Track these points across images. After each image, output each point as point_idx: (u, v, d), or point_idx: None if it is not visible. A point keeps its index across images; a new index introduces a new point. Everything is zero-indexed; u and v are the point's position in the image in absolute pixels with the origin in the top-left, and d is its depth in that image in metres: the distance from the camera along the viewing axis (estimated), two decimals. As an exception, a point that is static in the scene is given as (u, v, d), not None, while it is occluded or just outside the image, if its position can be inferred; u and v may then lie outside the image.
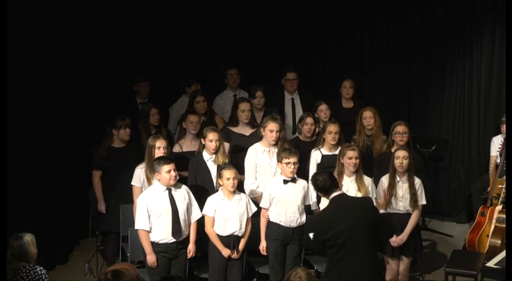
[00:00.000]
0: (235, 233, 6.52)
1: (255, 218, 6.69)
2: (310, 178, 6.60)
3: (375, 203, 6.23)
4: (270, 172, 6.98)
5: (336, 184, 5.80)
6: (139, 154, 7.13)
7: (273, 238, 6.62)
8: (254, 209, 6.65)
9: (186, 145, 7.41)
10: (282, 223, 6.59)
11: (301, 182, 6.71)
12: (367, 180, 6.78)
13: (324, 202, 6.68)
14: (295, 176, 6.66)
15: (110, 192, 7.32)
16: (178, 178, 6.40)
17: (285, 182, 6.60)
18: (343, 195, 5.83)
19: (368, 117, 7.67)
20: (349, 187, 6.62)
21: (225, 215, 6.48)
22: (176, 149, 7.40)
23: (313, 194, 6.92)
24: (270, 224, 6.64)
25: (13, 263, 5.15)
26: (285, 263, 6.63)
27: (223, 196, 6.51)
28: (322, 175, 5.81)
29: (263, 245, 6.67)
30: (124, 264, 4.91)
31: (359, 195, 6.55)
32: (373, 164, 7.33)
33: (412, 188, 6.70)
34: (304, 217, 6.66)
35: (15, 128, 7.08)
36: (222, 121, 8.13)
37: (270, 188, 6.64)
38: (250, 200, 6.71)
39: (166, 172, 6.26)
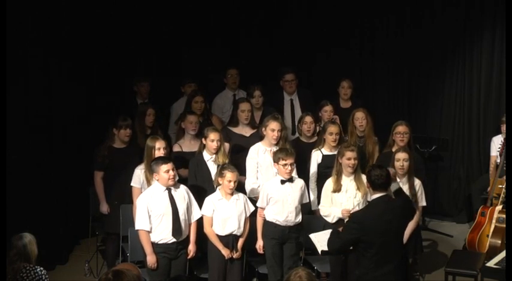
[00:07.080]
0: (234, 233, 6.53)
1: (252, 218, 6.70)
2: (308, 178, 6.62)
3: None
4: (272, 172, 6.96)
5: (386, 187, 5.55)
6: (141, 154, 7.11)
7: (269, 237, 6.62)
8: (252, 208, 6.66)
9: (186, 145, 7.40)
10: (278, 222, 6.59)
11: (299, 182, 6.71)
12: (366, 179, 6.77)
13: (325, 201, 6.69)
14: (293, 175, 6.65)
15: (111, 193, 7.31)
16: (177, 178, 6.40)
17: (283, 182, 6.59)
18: (387, 197, 5.57)
19: (360, 118, 7.66)
20: (348, 186, 6.60)
21: (224, 215, 6.49)
22: (176, 149, 7.40)
23: (310, 193, 6.93)
24: (267, 224, 6.65)
25: (16, 263, 5.15)
26: (282, 262, 6.63)
27: (221, 196, 6.51)
28: (382, 171, 5.52)
29: (260, 244, 6.68)
30: (127, 264, 4.89)
31: (359, 194, 6.55)
32: (365, 165, 7.30)
33: (412, 189, 6.70)
34: (300, 217, 6.66)
35: (15, 128, 7.07)
36: (219, 122, 8.10)
37: (267, 189, 6.64)
38: (247, 199, 6.72)
39: (165, 172, 6.25)
